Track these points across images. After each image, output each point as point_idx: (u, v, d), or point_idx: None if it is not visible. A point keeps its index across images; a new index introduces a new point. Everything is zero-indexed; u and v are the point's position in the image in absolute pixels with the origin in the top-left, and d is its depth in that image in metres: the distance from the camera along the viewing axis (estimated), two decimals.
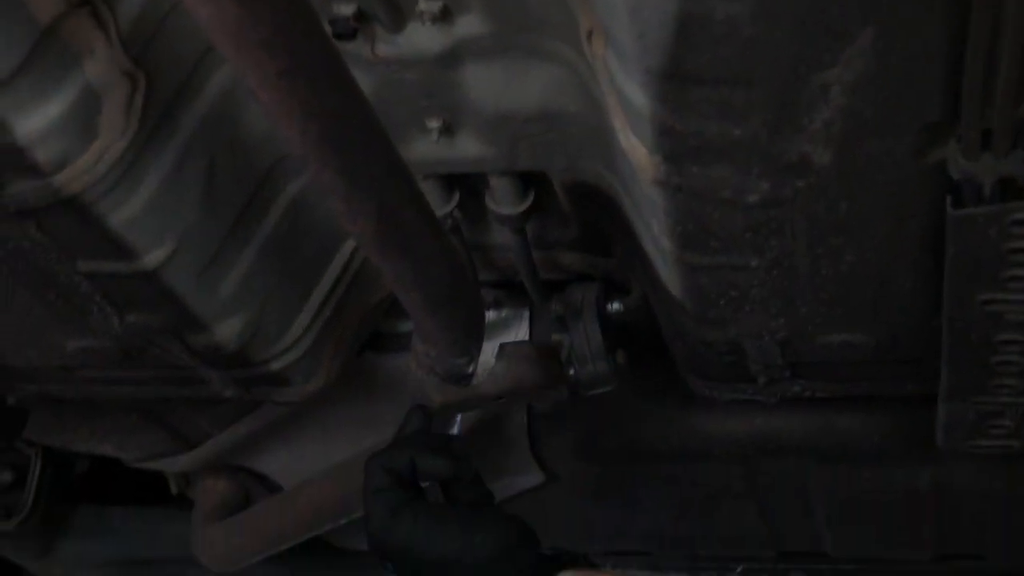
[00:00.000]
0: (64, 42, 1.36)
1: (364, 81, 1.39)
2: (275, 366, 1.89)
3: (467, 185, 1.80)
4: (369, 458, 1.72)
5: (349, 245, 1.87)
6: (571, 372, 1.95)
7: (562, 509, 2.53)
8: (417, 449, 1.72)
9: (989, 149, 1.27)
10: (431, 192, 1.75)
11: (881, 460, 2.29)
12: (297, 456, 2.37)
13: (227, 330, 1.77)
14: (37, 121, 1.38)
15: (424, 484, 1.72)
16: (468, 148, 1.65)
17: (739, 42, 1.19)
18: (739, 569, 2.51)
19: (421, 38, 1.51)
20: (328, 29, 1.38)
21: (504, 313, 2.07)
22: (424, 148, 1.65)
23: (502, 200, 1.77)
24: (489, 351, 2.01)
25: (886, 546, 2.61)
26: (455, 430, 2.04)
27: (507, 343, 1.93)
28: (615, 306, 1.96)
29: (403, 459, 1.70)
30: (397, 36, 1.51)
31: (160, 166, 1.52)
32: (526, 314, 2.08)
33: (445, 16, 1.48)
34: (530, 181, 1.76)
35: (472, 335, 1.75)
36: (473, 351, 1.79)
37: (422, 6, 1.47)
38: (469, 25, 1.49)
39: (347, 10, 1.47)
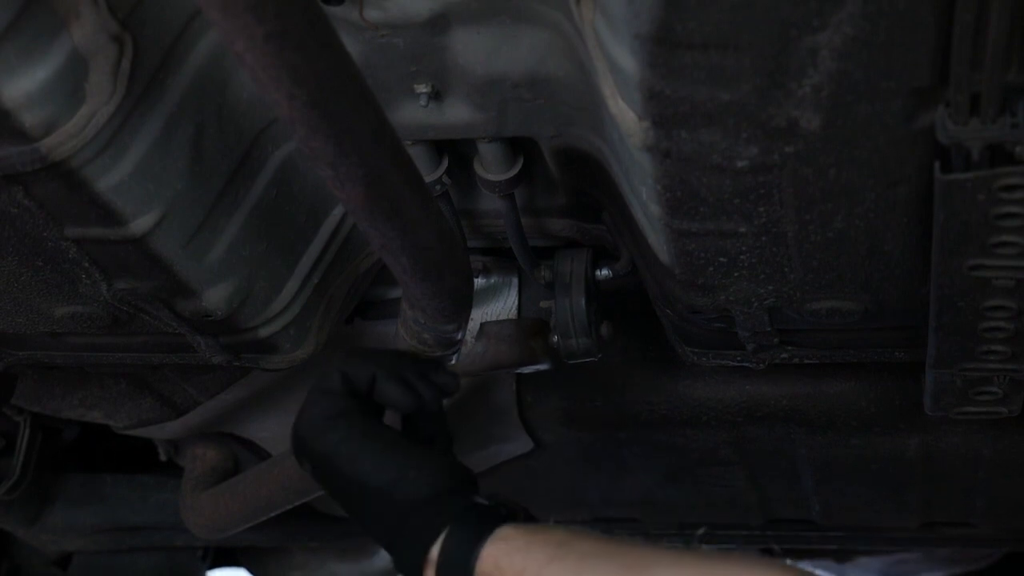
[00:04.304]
0: (50, 6, 1.35)
1: (352, 46, 1.39)
2: (264, 332, 1.89)
3: (456, 151, 1.79)
4: (333, 356, 1.71)
5: (338, 211, 1.87)
6: (554, 340, 1.95)
7: (550, 476, 2.54)
8: (385, 369, 1.71)
9: (977, 114, 1.26)
10: (420, 158, 1.75)
11: (869, 427, 2.30)
12: (286, 423, 2.35)
13: (215, 296, 1.77)
14: (24, 85, 1.37)
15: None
16: (457, 113, 1.64)
17: (728, 6, 1.18)
18: (700, 531, 2.52)
19: (410, 2, 1.50)
20: None
21: (493, 280, 2.07)
22: (412, 113, 1.65)
23: (491, 166, 1.77)
24: (478, 318, 2.01)
25: (873, 513, 2.62)
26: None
27: (488, 322, 1.92)
28: (604, 272, 1.96)
29: (366, 374, 1.70)
30: (386, 0, 1.50)
31: (147, 131, 1.51)
32: (515, 281, 2.08)
33: None
34: (519, 147, 1.75)
35: (461, 302, 1.75)
36: (462, 318, 1.79)
37: None
38: None
39: None
